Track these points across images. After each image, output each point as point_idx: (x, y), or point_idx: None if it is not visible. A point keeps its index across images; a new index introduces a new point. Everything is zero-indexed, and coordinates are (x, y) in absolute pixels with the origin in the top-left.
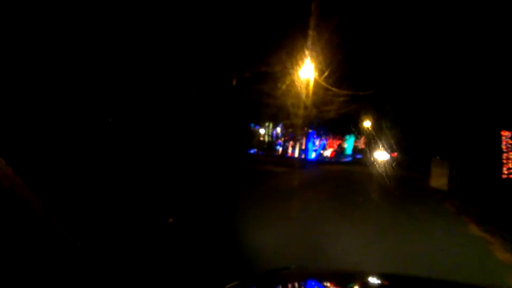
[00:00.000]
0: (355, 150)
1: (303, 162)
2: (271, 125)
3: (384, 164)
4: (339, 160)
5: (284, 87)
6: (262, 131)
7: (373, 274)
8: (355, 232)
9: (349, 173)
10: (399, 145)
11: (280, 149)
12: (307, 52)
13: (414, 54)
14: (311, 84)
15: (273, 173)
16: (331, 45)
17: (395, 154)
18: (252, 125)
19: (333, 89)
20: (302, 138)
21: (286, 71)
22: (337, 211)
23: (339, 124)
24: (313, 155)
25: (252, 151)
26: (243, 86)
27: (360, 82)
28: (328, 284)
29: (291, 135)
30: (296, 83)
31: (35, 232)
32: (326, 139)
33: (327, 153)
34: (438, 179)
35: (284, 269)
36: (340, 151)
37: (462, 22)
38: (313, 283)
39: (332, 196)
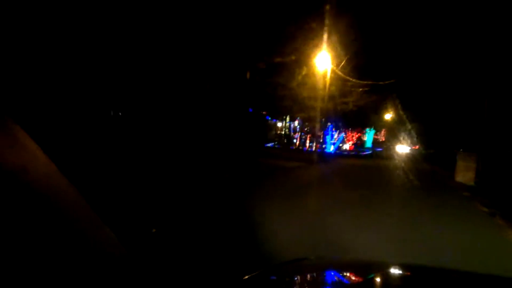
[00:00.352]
0: (375, 143)
1: (320, 156)
2: (288, 118)
3: (405, 157)
4: (358, 153)
5: (299, 78)
6: (279, 124)
7: (394, 264)
8: (370, 243)
9: (367, 168)
10: (421, 138)
11: (298, 142)
12: (323, 41)
13: (437, 41)
14: (328, 74)
15: (284, 169)
16: (350, 33)
17: (417, 146)
18: (268, 118)
19: (352, 79)
20: (319, 131)
21: (301, 61)
22: (350, 217)
23: (358, 117)
24: (331, 148)
25: (270, 144)
26: (258, 79)
27: (380, 72)
28: (348, 274)
29: (308, 128)
30: (312, 74)
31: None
32: (345, 132)
33: (346, 146)
34: (464, 173)
35: (304, 259)
36: (359, 144)
37: (490, 8)
38: (332, 273)
39: (343, 197)
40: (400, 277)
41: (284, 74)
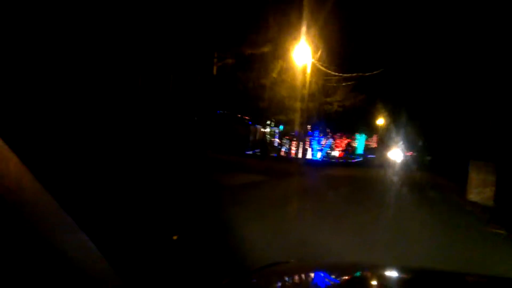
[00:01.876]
0: (367, 149)
1: (302, 165)
2: (272, 123)
3: (400, 165)
4: (347, 161)
5: (275, 74)
6: (265, 130)
7: (376, 266)
8: None
9: (353, 181)
10: (417, 143)
11: (283, 149)
12: (302, 30)
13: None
14: (309, 70)
15: (235, 189)
16: (333, 21)
17: (411, 153)
18: (251, 123)
19: (334, 73)
20: (303, 137)
21: (277, 54)
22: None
23: (347, 120)
24: (318, 155)
25: (250, 152)
26: (227, 75)
27: (368, 67)
28: (330, 277)
29: (295, 133)
30: (290, 69)
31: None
32: (334, 138)
33: (336, 153)
34: (481, 190)
35: (284, 263)
36: (350, 151)
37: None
38: (313, 276)
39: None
40: (382, 278)
41: (257, 69)
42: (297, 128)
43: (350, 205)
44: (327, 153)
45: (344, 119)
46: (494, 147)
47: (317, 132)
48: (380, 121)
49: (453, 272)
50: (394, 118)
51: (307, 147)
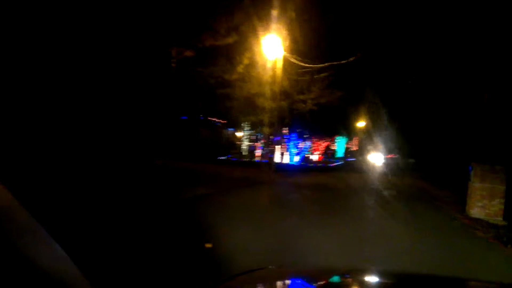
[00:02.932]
0: (348, 152)
1: (272, 171)
2: (247, 126)
3: (382, 169)
4: (326, 165)
5: (241, 68)
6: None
7: (357, 270)
8: None
9: (325, 192)
10: (399, 145)
11: (258, 153)
12: (272, 19)
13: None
14: (280, 64)
15: (158, 209)
16: (308, 8)
17: (393, 155)
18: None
19: (306, 64)
20: (275, 139)
21: (243, 46)
22: None
23: (324, 121)
24: (296, 159)
25: (223, 157)
26: (187, 71)
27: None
28: (311, 282)
29: (275, 137)
30: (259, 63)
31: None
32: (312, 141)
33: (315, 156)
34: (485, 203)
35: (266, 268)
36: (330, 154)
37: None
38: (295, 281)
39: None
40: (363, 282)
41: (221, 64)
42: (267, 130)
43: (314, 235)
44: (305, 156)
45: (321, 120)
46: (501, 146)
47: (295, 135)
48: (361, 124)
49: (433, 276)
50: (374, 119)
51: (283, 151)
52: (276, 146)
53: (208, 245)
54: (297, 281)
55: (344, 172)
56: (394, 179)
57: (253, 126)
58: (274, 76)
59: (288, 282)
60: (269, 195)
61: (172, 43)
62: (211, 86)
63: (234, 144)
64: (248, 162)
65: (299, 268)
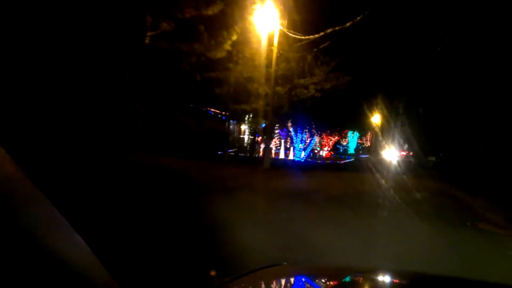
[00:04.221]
0: (361, 148)
1: (265, 169)
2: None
3: (399, 169)
4: (335, 162)
5: (229, 45)
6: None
7: (371, 269)
8: None
9: (325, 201)
10: (417, 140)
11: (261, 148)
12: None
13: None
14: (276, 40)
15: None
16: None
17: (411, 152)
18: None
19: (303, 37)
20: (271, 132)
21: (232, 18)
22: None
23: (334, 115)
24: (302, 155)
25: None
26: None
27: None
28: (323, 280)
29: (280, 131)
30: (251, 40)
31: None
32: (321, 136)
33: (323, 152)
34: None
35: (278, 265)
36: (343, 151)
37: None
38: (307, 279)
39: None
40: (376, 282)
41: (205, 41)
42: (262, 120)
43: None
44: (313, 153)
45: (329, 112)
46: None
47: (300, 129)
48: (376, 119)
49: (447, 277)
50: (390, 111)
51: (289, 146)
52: (282, 141)
53: None
54: (311, 279)
55: (353, 171)
56: (413, 181)
57: (235, 115)
58: (269, 55)
59: (302, 279)
60: (228, 210)
61: (145, 12)
62: (195, 67)
63: (234, 138)
64: (248, 158)
65: (313, 265)
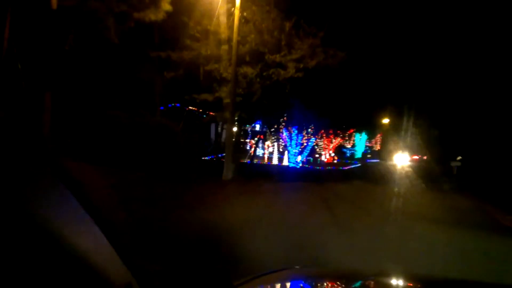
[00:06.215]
0: (370, 152)
1: (224, 181)
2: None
3: (415, 178)
4: (338, 168)
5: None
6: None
7: (380, 273)
8: None
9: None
10: (435, 143)
11: (252, 152)
12: None
13: None
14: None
15: None
16: None
17: (426, 157)
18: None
19: None
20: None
21: None
22: None
23: (336, 114)
24: (298, 159)
25: (207, 157)
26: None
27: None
28: (335, 284)
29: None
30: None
31: None
32: (321, 137)
33: (324, 157)
34: None
35: (291, 268)
36: (345, 154)
37: None
38: (319, 282)
39: None
40: (386, 285)
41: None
42: (227, 114)
43: None
44: (314, 157)
45: (326, 105)
46: None
47: (295, 129)
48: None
49: (459, 280)
50: (403, 109)
51: (283, 149)
52: (275, 144)
53: None
54: (321, 283)
55: (357, 180)
56: (434, 196)
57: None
58: (228, 22)
59: (312, 283)
60: None
61: None
62: (125, 36)
63: (218, 142)
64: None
65: (323, 269)
